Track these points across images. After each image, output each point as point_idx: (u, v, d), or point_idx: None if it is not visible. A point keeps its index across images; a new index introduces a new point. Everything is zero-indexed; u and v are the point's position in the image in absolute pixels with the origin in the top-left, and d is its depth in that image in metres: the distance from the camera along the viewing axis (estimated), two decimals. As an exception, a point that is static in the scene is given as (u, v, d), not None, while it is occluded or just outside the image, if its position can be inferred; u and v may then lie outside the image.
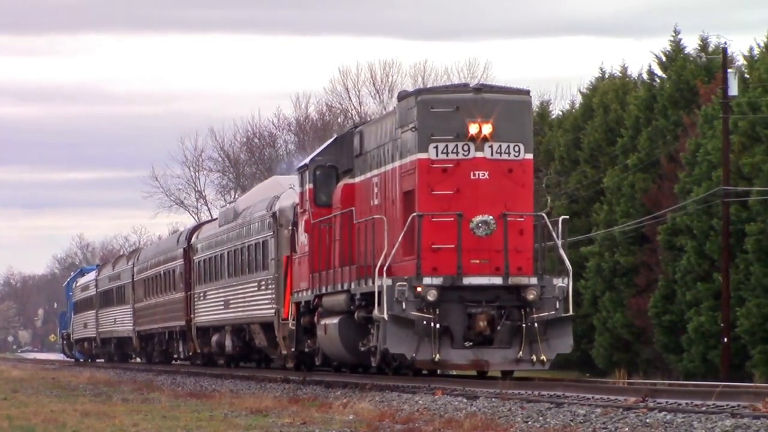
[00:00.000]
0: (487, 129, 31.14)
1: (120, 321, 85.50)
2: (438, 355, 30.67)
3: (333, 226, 38.70)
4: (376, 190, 35.83)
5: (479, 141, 31.28)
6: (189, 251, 66.19)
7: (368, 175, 36.78)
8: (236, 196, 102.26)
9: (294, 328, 43.53)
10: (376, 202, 35.64)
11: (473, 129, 31.19)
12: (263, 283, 50.46)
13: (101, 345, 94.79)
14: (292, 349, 44.53)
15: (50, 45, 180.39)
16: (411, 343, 30.59)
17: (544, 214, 32.10)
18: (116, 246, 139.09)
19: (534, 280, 31.33)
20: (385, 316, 30.85)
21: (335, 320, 36.69)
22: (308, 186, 40.56)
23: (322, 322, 38.61)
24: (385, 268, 31.09)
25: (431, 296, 30.63)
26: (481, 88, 30.84)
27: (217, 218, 68.46)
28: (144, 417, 27.46)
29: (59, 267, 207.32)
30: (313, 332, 41.31)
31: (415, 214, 30.81)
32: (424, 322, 30.60)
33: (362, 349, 34.94)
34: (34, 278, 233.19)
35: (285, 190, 50.58)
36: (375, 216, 33.39)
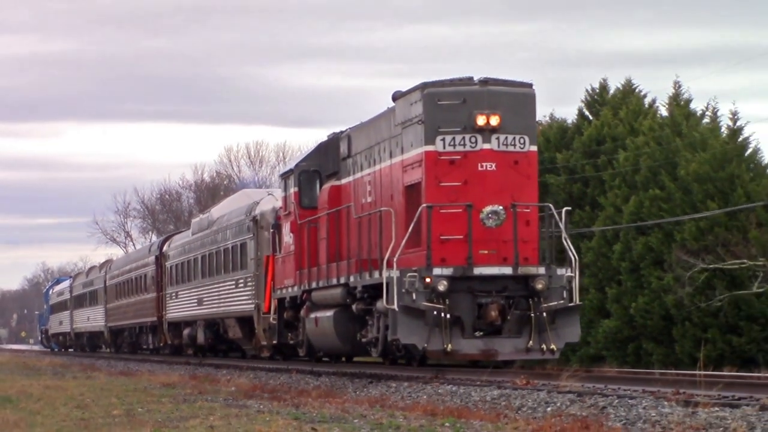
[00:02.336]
0: (494, 120, 26.01)
1: (93, 318, 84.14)
2: (450, 345, 25.44)
3: (319, 226, 33.77)
4: (368, 188, 30.59)
5: (486, 133, 26.10)
6: (161, 258, 63.08)
7: (358, 175, 31.62)
8: (152, 236, 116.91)
9: (275, 322, 38.62)
10: (369, 199, 30.44)
11: (481, 120, 25.99)
12: (241, 281, 45.99)
13: (75, 338, 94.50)
14: (274, 341, 39.93)
15: (29, 130, 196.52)
16: (422, 334, 25.48)
17: (550, 205, 26.64)
18: (69, 269, 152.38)
19: (542, 270, 26.24)
20: (396, 306, 25.61)
21: (329, 313, 31.45)
22: (293, 189, 35.68)
23: (312, 315, 33.37)
24: (395, 260, 25.81)
25: (442, 287, 25.43)
26: (487, 81, 26.00)
27: (184, 231, 66.19)
28: (88, 389, 32.29)
29: (28, 284, 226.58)
30: (295, 326, 36.88)
31: (424, 205, 25.65)
32: (435, 313, 25.43)
33: (363, 340, 29.77)
34: (10, 292, 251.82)
35: (258, 197, 47.37)
36: (382, 209, 27.89)
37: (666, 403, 17.47)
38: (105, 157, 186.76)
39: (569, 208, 29.53)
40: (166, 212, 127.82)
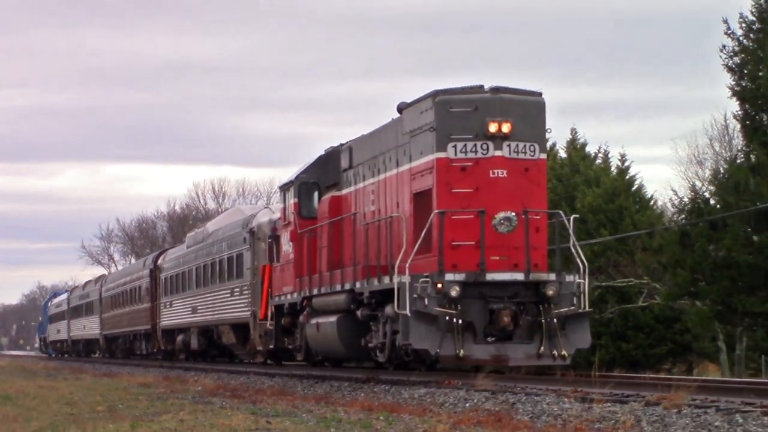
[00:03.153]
0: (506, 128, 24.10)
1: (88, 327, 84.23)
2: (462, 350, 23.39)
3: (318, 235, 31.94)
4: (371, 197, 28.68)
5: (498, 140, 24.18)
6: (155, 271, 62.35)
7: (360, 185, 29.73)
8: (131, 258, 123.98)
9: (272, 328, 36.88)
10: (372, 208, 28.50)
11: (493, 128, 24.07)
12: (237, 289, 44.42)
13: (72, 345, 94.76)
14: (270, 346, 38.08)
15: (29, 170, 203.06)
16: (434, 339, 23.41)
17: (561, 212, 24.57)
18: (60, 286, 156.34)
19: (552, 277, 24.33)
20: (408, 311, 23.62)
21: (332, 318, 29.50)
22: (293, 200, 33.80)
23: (313, 321, 31.43)
24: (407, 266, 23.87)
25: (454, 292, 23.43)
26: (498, 89, 24.25)
27: (177, 245, 66.59)
28: (76, 388, 33.93)
29: (25, 300, 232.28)
30: (293, 331, 35.17)
31: (436, 211, 23.65)
32: (447, 318, 23.40)
33: (370, 344, 27.55)
34: (10, 306, 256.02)
35: (254, 211, 45.81)
36: (393, 214, 26.13)
37: (566, 399, 18.52)
38: (92, 192, 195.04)
39: (577, 215, 27.45)
40: (143, 238, 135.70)
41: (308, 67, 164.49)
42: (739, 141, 55.28)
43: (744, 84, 47.48)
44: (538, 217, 24.60)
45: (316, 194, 33.13)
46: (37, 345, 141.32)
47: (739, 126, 51.72)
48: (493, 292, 23.83)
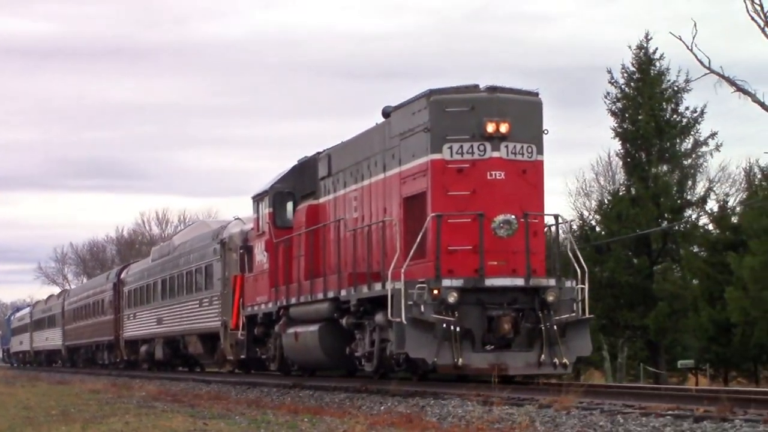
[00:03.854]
0: (504, 128, 21.45)
1: (51, 339, 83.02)
2: (461, 359, 20.69)
3: (294, 244, 29.20)
4: (354, 203, 25.97)
5: (496, 140, 21.49)
6: (119, 284, 60.20)
7: (340, 192, 27.05)
8: (83, 278, 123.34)
9: (243, 338, 33.97)
10: (355, 214, 25.77)
11: (490, 128, 21.39)
12: (206, 300, 41.64)
13: (34, 355, 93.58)
14: (242, 356, 35.14)
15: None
16: (431, 347, 20.71)
17: (559, 215, 22.07)
18: (19, 303, 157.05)
19: (552, 282, 21.65)
20: (403, 319, 20.85)
21: (312, 328, 26.69)
22: (268, 210, 31.02)
23: (290, 330, 28.54)
24: (402, 271, 21.13)
25: (452, 298, 20.74)
26: (495, 88, 21.73)
27: (141, 260, 63.90)
28: (33, 394, 34.39)
29: None
30: (265, 341, 32.35)
31: (433, 214, 20.87)
32: (444, 326, 20.67)
33: (357, 353, 24.71)
34: None
35: (222, 224, 43.17)
36: (386, 218, 23.42)
37: (469, 402, 19.15)
38: (49, 219, 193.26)
39: (573, 218, 25.02)
40: (94, 260, 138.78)
41: (241, 110, 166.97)
42: (621, 176, 59.41)
43: (625, 126, 53.96)
44: (536, 220, 22.08)
45: (290, 204, 30.55)
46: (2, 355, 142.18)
47: (621, 162, 57.33)
48: (491, 299, 21.20)
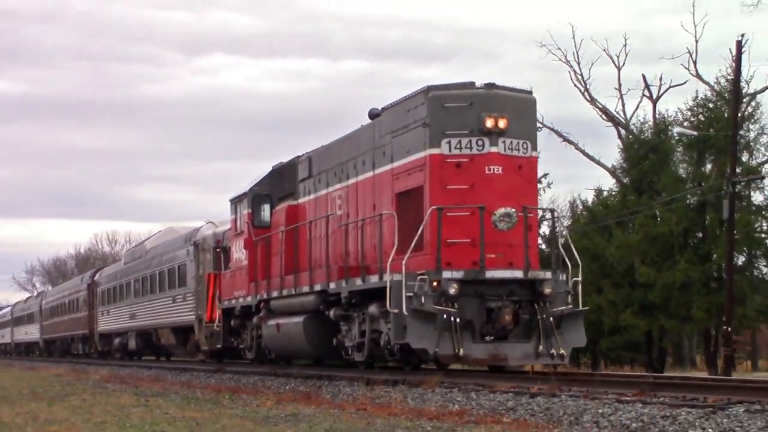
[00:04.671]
0: (502, 123, 18.84)
1: (30, 333, 79.80)
2: (461, 350, 17.86)
3: (272, 242, 26.31)
4: (338, 201, 23.09)
5: (494, 136, 18.79)
6: (93, 285, 57.22)
7: (322, 192, 24.18)
8: (48, 286, 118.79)
9: (219, 329, 30.70)
10: (339, 212, 22.86)
11: (489, 123, 18.77)
12: (180, 296, 38.22)
13: (15, 347, 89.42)
14: (218, 346, 31.94)
15: None
16: (432, 338, 18.03)
17: (555, 209, 18.50)
18: None
19: (548, 275, 19.09)
20: (404, 310, 18.05)
21: (296, 319, 23.79)
22: (246, 211, 27.85)
23: (271, 322, 25.66)
24: (403, 263, 18.22)
25: (452, 290, 18.05)
26: (492, 85, 19.42)
27: (113, 264, 62.11)
28: (7, 378, 33.31)
29: None
30: (240, 332, 29.37)
31: (433, 207, 18.00)
32: (445, 317, 17.89)
33: (347, 344, 21.78)
34: None
35: (198, 226, 38.74)
36: (384, 212, 20.42)
37: (356, 384, 19.75)
38: (21, 239, 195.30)
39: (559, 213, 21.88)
40: (57, 272, 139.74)
41: (175, 154, 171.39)
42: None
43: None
44: (531, 215, 19.56)
45: (267, 206, 27.74)
46: None
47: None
48: (490, 291, 18.74)
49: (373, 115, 22.07)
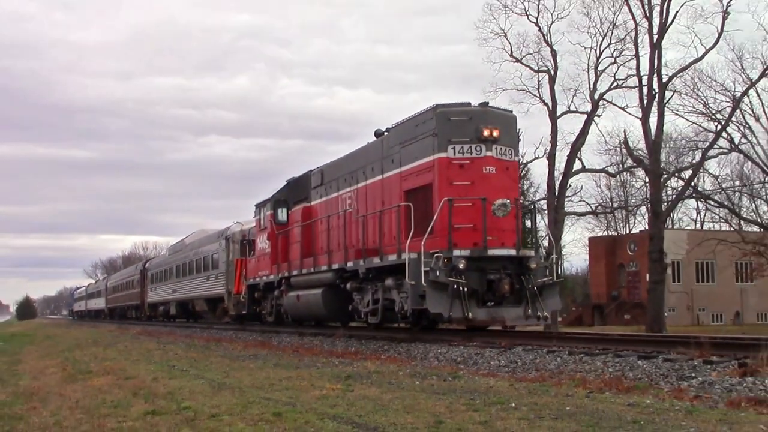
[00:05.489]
0: (496, 133, 14.75)
1: (98, 303, 73.24)
2: (470, 313, 13.50)
3: (291, 235, 21.85)
4: (349, 201, 18.58)
5: (489, 143, 14.66)
6: (144, 271, 51.31)
7: (333, 195, 19.63)
8: (106, 275, 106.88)
9: (244, 300, 26.05)
10: (349, 209, 18.34)
11: (486, 133, 14.65)
12: (213, 276, 32.94)
13: (88, 313, 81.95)
14: (243, 312, 26.77)
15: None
16: (446, 304, 13.70)
17: (536, 201, 13.96)
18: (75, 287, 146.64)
19: (533, 253, 14.71)
20: (423, 281, 13.75)
21: (315, 291, 19.14)
22: (269, 212, 23.33)
23: (292, 293, 20.92)
24: (422, 243, 12.29)
25: (461, 265, 13.81)
26: (485, 104, 14.51)
27: (160, 255, 54.53)
28: (79, 332, 33.04)
29: (57, 293, 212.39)
30: (260, 302, 24.77)
31: (446, 198, 12.83)
32: (455, 286, 13.61)
33: (363, 309, 17.07)
34: (51, 296, 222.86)
35: (228, 225, 33.11)
36: (401, 204, 15.64)
37: (295, 335, 19.31)
38: (90, 247, 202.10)
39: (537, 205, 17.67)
40: (111, 266, 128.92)
41: (187, 194, 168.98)
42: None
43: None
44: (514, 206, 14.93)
45: (285, 208, 23.01)
46: (65, 312, 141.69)
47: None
48: (489, 265, 14.25)
49: (378, 134, 17.81)
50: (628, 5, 32.00)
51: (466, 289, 13.29)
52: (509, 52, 33.66)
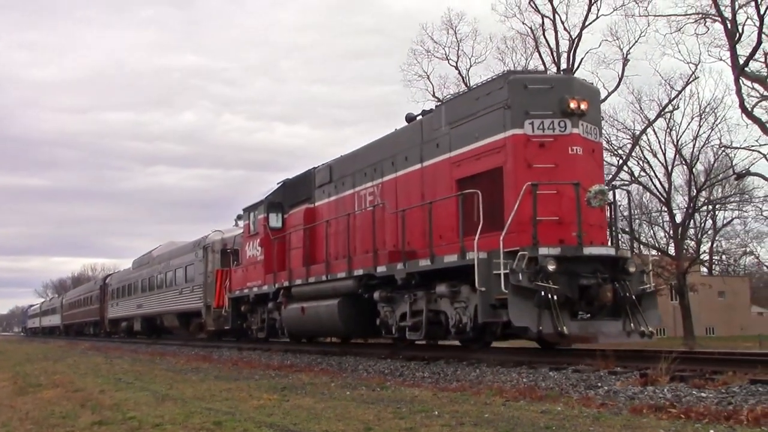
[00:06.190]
0: (584, 106, 11.57)
1: (52, 320, 70.82)
2: (564, 328, 10.38)
3: (292, 239, 18.61)
4: (370, 197, 15.60)
5: (575, 118, 11.55)
6: (104, 286, 47.84)
7: (347, 192, 16.60)
8: (55, 294, 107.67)
9: (227, 314, 22.95)
10: (369, 207, 15.34)
11: (573, 105, 11.52)
12: (188, 288, 29.45)
13: (42, 329, 78.90)
14: (226, 327, 23.57)
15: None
16: (533, 316, 10.52)
17: (629, 190, 11.16)
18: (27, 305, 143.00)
19: (629, 254, 11.77)
20: (503, 288, 10.56)
21: (329, 302, 15.94)
22: (262, 216, 20.28)
23: (293, 306, 17.76)
24: (501, 239, 8.80)
25: (551, 266, 10.65)
26: (571, 71, 9.74)
27: (122, 269, 48.44)
28: (30, 348, 31.89)
29: (9, 312, 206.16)
30: (246, 316, 21.49)
31: (529, 183, 9.39)
32: (542, 294, 10.44)
33: (401, 323, 13.75)
34: (3, 314, 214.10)
35: (207, 234, 29.53)
36: (465, 191, 12.39)
37: (232, 350, 20.30)
38: (42, 268, 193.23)
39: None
40: (61, 287, 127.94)
41: (137, 219, 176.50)
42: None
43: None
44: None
45: (280, 212, 20.03)
46: (17, 330, 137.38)
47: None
48: (583, 268, 11.18)
49: (411, 118, 14.99)
50: (539, 52, 35.04)
51: (556, 297, 10.40)
52: (432, 92, 37.04)
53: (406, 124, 14.70)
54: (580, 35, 34.53)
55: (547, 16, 33.65)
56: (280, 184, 21.23)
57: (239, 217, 28.95)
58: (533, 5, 34.17)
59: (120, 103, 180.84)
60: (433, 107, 13.85)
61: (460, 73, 36.88)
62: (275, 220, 20.45)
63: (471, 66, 36.95)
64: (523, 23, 37.95)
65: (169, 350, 23.80)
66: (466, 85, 36.19)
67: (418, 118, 14.13)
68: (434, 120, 13.57)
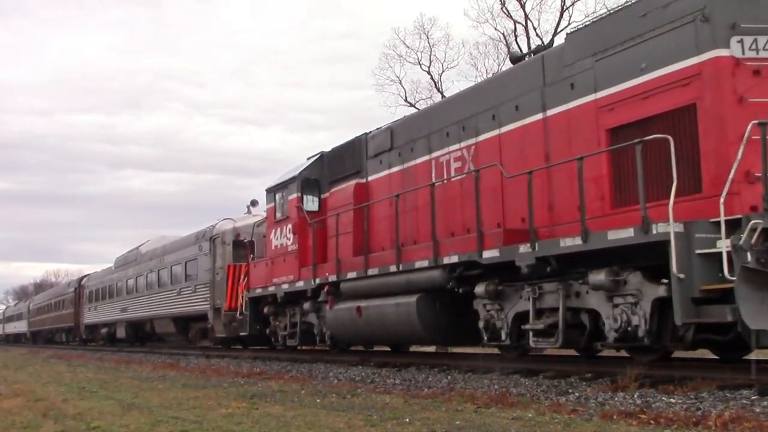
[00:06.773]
0: None
1: (19, 327, 65.49)
2: None
3: (341, 222, 14.98)
4: (458, 164, 12.08)
5: None
6: (79, 288, 43.60)
7: (419, 160, 13.19)
8: (15, 301, 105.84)
9: (243, 317, 19.15)
10: (459, 176, 11.92)
11: None
12: (188, 288, 25.55)
13: (5, 337, 73.72)
14: (242, 333, 19.79)
15: None
16: None
17: None
18: None
19: None
20: (727, 273, 5.66)
21: (404, 299, 12.31)
22: (294, 196, 16.67)
23: (344, 305, 14.28)
24: (721, 202, 5.23)
25: None
26: None
27: (101, 270, 42.70)
28: None
29: None
30: (270, 320, 18.03)
31: (755, 122, 5.69)
32: None
33: (498, 325, 10.40)
34: None
35: (215, 224, 25.37)
36: (647, 137, 7.48)
37: (200, 357, 19.65)
38: (2, 274, 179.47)
39: None
40: (23, 293, 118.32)
41: (103, 224, 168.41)
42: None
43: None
44: None
45: (317, 190, 16.55)
46: None
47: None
48: None
49: (517, 57, 11.62)
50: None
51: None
52: (404, 97, 36.66)
53: (512, 65, 11.34)
54: (552, 41, 35.48)
55: (519, 22, 34.05)
56: (315, 157, 17.79)
57: (253, 203, 25.40)
58: (505, 11, 34.51)
59: (88, 105, 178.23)
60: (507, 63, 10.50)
61: (432, 78, 37.35)
62: (312, 202, 17.05)
63: (443, 71, 37.37)
64: (495, 29, 39.11)
65: (135, 358, 23.45)
66: (438, 90, 35.97)
67: (534, 55, 10.76)
68: (565, 53, 10.06)
